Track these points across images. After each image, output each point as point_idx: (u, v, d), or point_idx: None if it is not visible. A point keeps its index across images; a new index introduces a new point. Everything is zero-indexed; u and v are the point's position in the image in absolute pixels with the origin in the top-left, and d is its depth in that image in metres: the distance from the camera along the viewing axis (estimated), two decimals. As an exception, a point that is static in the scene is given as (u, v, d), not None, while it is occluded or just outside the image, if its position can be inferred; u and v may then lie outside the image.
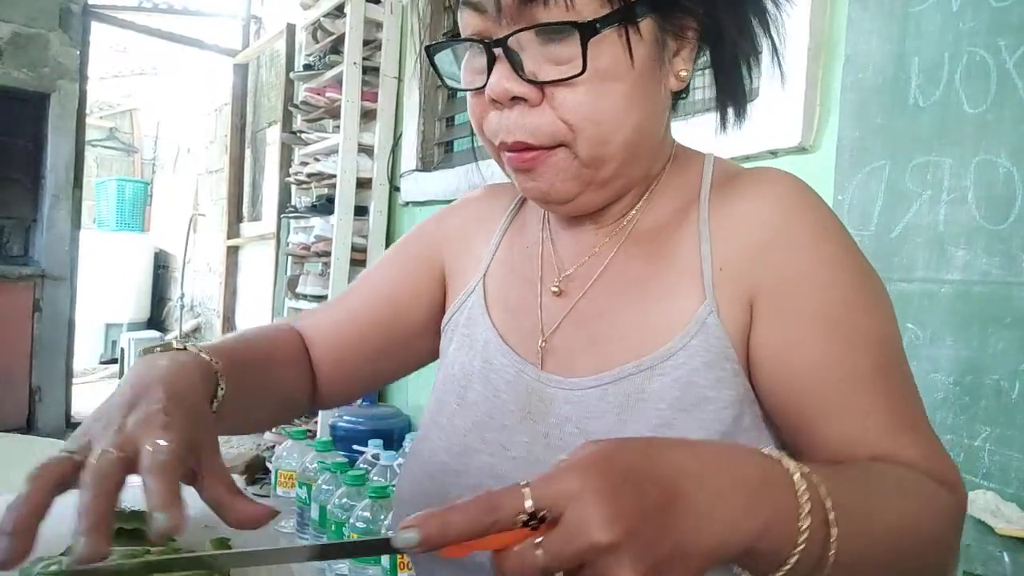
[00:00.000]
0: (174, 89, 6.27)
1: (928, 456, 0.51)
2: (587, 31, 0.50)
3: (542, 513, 0.36)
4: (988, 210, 1.25)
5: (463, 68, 0.57)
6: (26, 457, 1.27)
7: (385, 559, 2.06)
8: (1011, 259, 1.22)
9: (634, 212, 0.62)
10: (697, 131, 0.66)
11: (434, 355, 0.76)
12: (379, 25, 3.09)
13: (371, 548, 0.42)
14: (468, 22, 0.54)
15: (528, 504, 0.36)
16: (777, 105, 1.57)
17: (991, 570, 1.08)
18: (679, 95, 0.62)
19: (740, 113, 0.62)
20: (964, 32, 1.29)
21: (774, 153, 1.59)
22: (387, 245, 3.14)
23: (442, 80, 0.59)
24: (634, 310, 0.58)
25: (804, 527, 0.40)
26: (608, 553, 0.35)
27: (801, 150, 1.56)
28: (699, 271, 0.57)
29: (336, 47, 3.23)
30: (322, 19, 3.26)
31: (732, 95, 0.61)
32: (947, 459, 0.52)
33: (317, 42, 3.36)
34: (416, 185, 2.93)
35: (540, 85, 0.52)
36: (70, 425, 4.09)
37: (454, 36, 0.57)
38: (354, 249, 3.08)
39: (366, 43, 3.07)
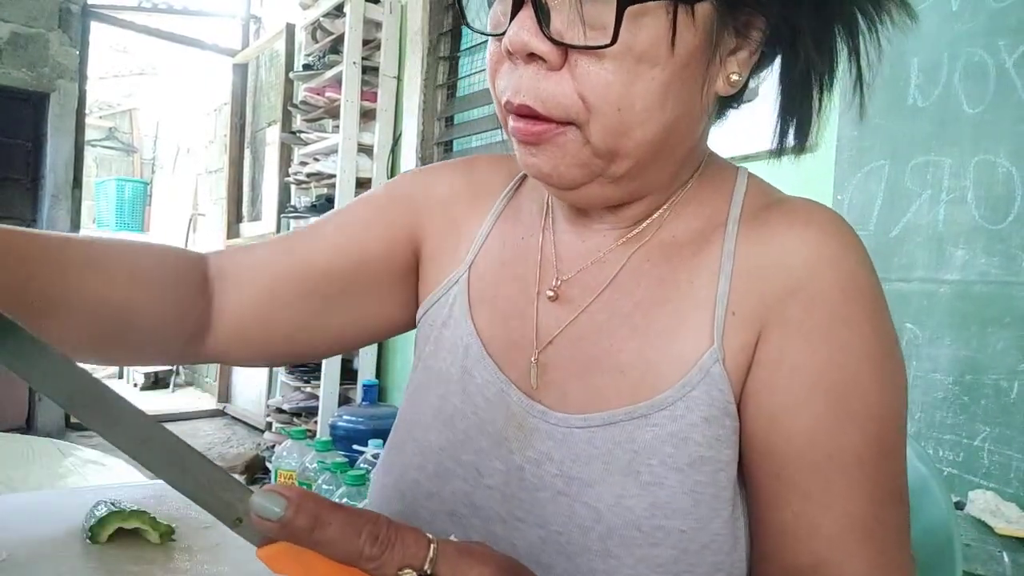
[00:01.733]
0: (174, 89, 6.27)
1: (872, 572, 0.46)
2: None
3: None
4: (987, 210, 1.25)
5: (492, 6, 0.50)
6: (26, 457, 1.27)
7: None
8: (1010, 259, 1.22)
9: (651, 220, 0.55)
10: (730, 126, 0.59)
11: (396, 331, 0.68)
12: (378, 25, 3.09)
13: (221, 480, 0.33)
14: None
15: (426, 566, 0.31)
16: (776, 105, 1.57)
17: (991, 570, 1.08)
18: (730, 102, 0.55)
19: (803, 136, 0.54)
20: (963, 32, 1.29)
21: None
22: (387, 245, 3.14)
23: (464, 18, 0.50)
24: (637, 339, 0.52)
25: None
26: None
27: (800, 149, 1.56)
28: (712, 310, 0.51)
29: (335, 47, 3.23)
30: (321, 19, 3.26)
31: (796, 114, 0.53)
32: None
33: (316, 42, 3.36)
34: (416, 185, 2.93)
35: (564, 47, 0.45)
36: (69, 425, 4.09)
37: None
38: (354, 249, 3.08)
39: (365, 43, 3.07)
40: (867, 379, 0.48)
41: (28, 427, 3.87)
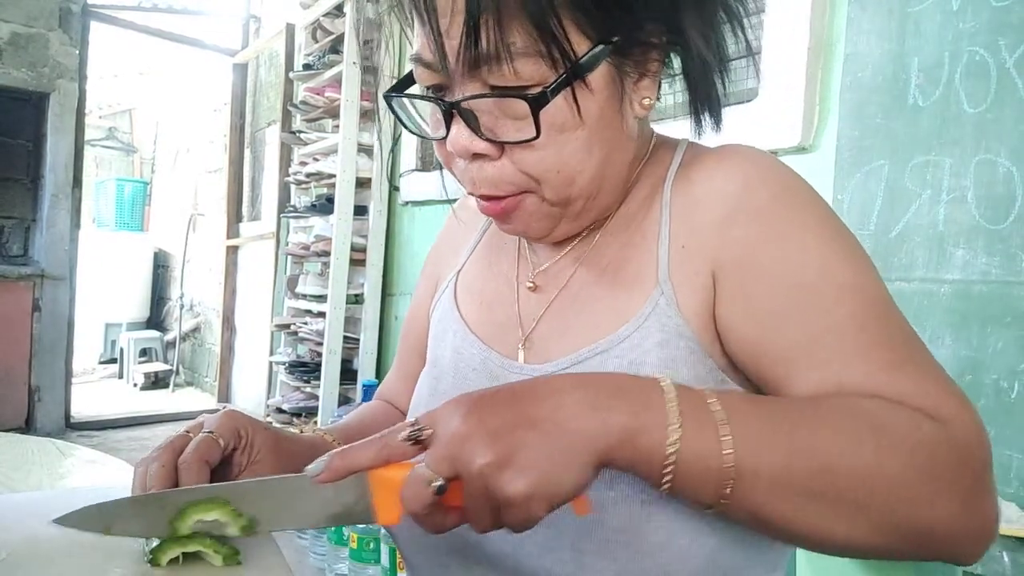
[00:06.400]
0: (173, 89, 6.27)
1: (916, 392, 0.46)
2: (537, 102, 0.50)
3: (420, 426, 0.44)
4: (988, 210, 1.25)
5: (429, 114, 0.58)
6: (25, 457, 1.27)
7: (385, 559, 2.07)
8: (1010, 258, 1.22)
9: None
10: (684, 132, 0.64)
11: None
12: (378, 25, 3.09)
13: (286, 483, 0.49)
14: (421, 75, 0.54)
15: (410, 422, 0.44)
16: (776, 105, 1.57)
17: (991, 570, 1.08)
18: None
19: (716, 118, 0.60)
20: (964, 32, 1.29)
21: (774, 153, 1.60)
22: (387, 245, 3.14)
23: (404, 126, 0.59)
24: (603, 299, 0.59)
25: (675, 424, 0.42)
26: (466, 442, 0.41)
27: (800, 149, 1.56)
28: (656, 253, 0.57)
29: (335, 47, 3.23)
30: (321, 19, 3.26)
31: (707, 102, 0.59)
32: (941, 394, 0.46)
33: (316, 42, 3.36)
34: (416, 184, 2.93)
35: (500, 143, 0.53)
36: (69, 425, 4.09)
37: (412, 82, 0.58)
38: (354, 249, 3.08)
39: (365, 42, 3.07)
40: (832, 262, 0.51)
41: (28, 427, 3.87)
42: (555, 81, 0.49)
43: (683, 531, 0.51)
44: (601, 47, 0.50)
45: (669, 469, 0.42)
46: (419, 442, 0.44)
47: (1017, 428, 1.20)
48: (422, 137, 0.59)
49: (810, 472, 0.42)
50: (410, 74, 0.56)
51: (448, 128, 0.53)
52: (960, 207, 1.29)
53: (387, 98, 0.57)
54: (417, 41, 0.53)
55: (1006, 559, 1.08)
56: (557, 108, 0.51)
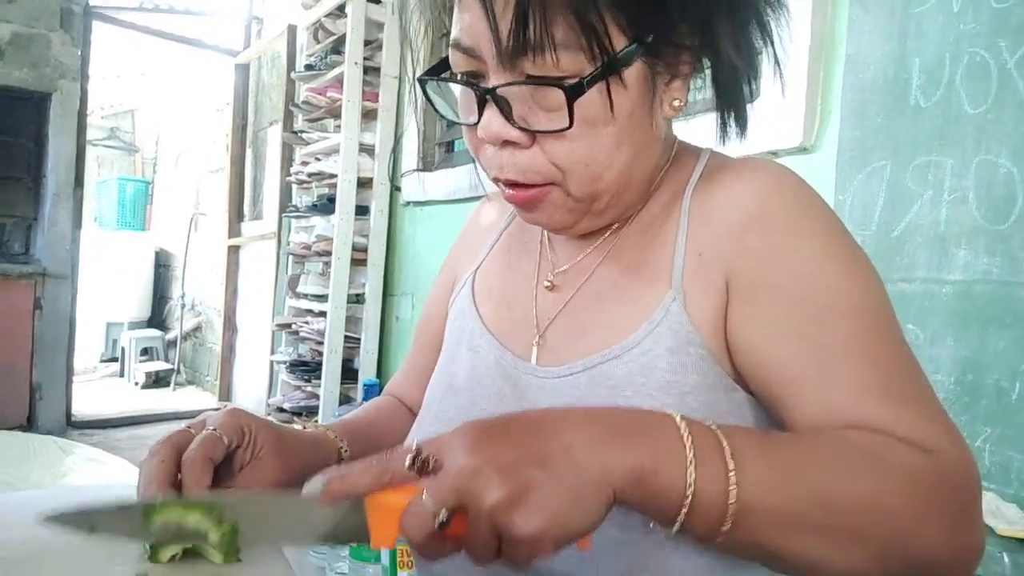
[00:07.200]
0: (175, 89, 6.28)
1: (905, 422, 0.46)
2: (573, 92, 0.51)
3: (426, 454, 0.42)
4: (989, 210, 1.25)
5: (459, 98, 0.59)
6: (26, 455, 1.27)
7: (385, 558, 2.06)
8: (1012, 259, 1.22)
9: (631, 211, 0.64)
10: (697, 132, 0.65)
11: None
12: (380, 25, 3.10)
13: (277, 500, 0.49)
14: (458, 61, 0.55)
15: (413, 447, 0.42)
16: (778, 105, 1.57)
17: (991, 570, 1.08)
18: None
19: (742, 123, 0.61)
20: (965, 33, 1.29)
21: (775, 153, 1.60)
22: (388, 245, 3.15)
23: (436, 111, 0.60)
24: (619, 301, 0.60)
25: (692, 464, 0.41)
26: (476, 477, 0.39)
27: (802, 150, 1.56)
28: (671, 259, 0.58)
29: (337, 47, 3.23)
30: (323, 19, 3.27)
31: (733, 106, 0.60)
32: (934, 426, 0.47)
33: (318, 42, 3.36)
34: (417, 185, 2.93)
35: (531, 132, 0.53)
36: (71, 423, 4.09)
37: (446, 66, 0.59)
38: (355, 248, 3.09)
39: (367, 43, 3.07)
40: (837, 277, 0.52)
41: (29, 425, 3.88)
42: (591, 73, 0.51)
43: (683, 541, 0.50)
44: (636, 45, 0.52)
45: (684, 508, 0.41)
46: (423, 469, 0.42)
47: (1018, 428, 1.20)
48: (452, 122, 0.60)
49: (810, 506, 0.43)
50: (444, 60, 0.57)
51: (480, 114, 0.54)
52: (961, 208, 1.29)
53: (421, 82, 0.58)
54: (456, 27, 0.54)
55: (1006, 560, 1.08)
56: (591, 101, 0.52)
